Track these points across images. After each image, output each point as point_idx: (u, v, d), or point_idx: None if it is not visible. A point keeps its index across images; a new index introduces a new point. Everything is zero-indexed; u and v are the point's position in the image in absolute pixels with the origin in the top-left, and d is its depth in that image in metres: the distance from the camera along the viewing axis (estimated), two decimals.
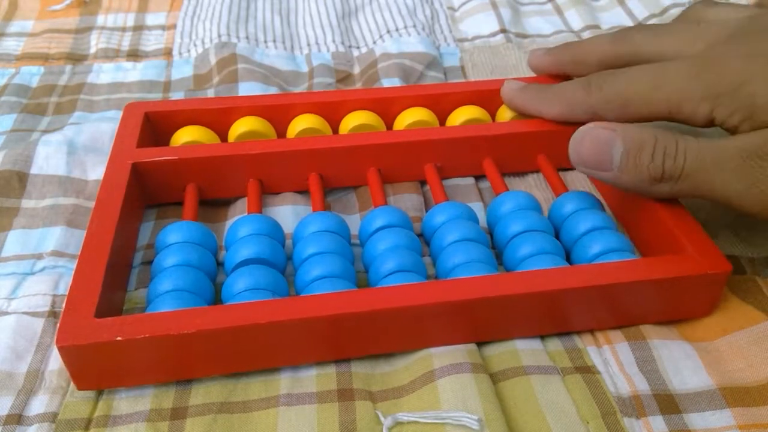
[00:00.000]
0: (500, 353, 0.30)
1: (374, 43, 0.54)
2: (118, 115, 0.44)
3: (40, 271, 0.33)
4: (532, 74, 0.43)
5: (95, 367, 0.27)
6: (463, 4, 0.59)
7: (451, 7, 0.60)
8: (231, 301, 0.29)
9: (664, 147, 0.29)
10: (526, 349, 0.30)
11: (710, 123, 0.30)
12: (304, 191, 0.38)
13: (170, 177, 0.36)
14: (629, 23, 0.57)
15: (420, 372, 0.28)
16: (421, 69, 0.50)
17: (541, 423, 0.27)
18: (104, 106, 0.46)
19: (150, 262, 0.33)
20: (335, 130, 0.41)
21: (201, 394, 0.28)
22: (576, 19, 0.57)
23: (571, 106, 0.35)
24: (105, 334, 0.26)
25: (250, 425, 0.27)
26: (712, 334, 0.31)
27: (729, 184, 0.28)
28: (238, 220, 0.33)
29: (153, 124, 0.39)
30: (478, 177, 0.40)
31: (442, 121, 0.42)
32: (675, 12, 0.57)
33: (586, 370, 0.29)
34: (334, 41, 0.54)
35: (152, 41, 0.54)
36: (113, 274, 0.30)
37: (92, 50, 0.52)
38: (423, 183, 0.39)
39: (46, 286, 0.32)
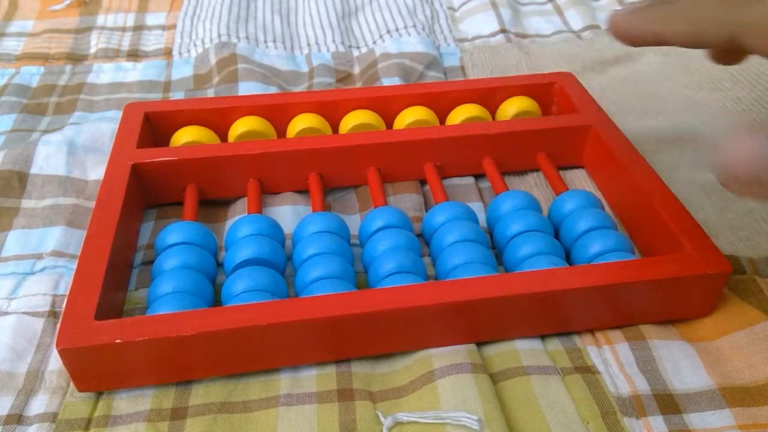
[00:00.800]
0: (500, 353, 0.30)
1: (374, 43, 0.54)
2: (118, 115, 0.44)
3: (40, 271, 0.33)
4: (532, 73, 0.43)
5: (95, 369, 0.27)
6: (463, 4, 0.59)
7: (451, 7, 0.60)
8: (230, 302, 0.29)
9: None
10: (526, 349, 0.30)
11: None
12: (304, 191, 0.38)
13: (170, 177, 0.36)
14: None
15: (420, 372, 0.28)
16: (421, 69, 0.50)
17: (541, 423, 0.27)
18: (104, 106, 0.46)
19: (150, 263, 0.33)
20: (335, 130, 0.41)
21: (201, 394, 0.28)
22: (576, 19, 0.57)
23: (702, 24, 0.26)
24: (105, 336, 0.26)
25: (250, 425, 0.27)
26: (712, 334, 0.31)
27: None
28: (238, 220, 0.33)
29: (153, 124, 0.39)
30: (478, 176, 0.40)
31: (442, 120, 0.42)
32: None
33: (586, 370, 0.29)
34: (334, 41, 0.54)
35: (152, 41, 0.54)
36: (113, 274, 0.30)
37: (92, 50, 0.52)
38: (423, 182, 0.39)
39: (46, 286, 0.32)
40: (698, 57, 0.52)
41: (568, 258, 0.33)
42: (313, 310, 0.27)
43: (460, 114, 0.41)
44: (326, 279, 0.30)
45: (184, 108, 0.39)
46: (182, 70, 0.50)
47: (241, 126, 0.39)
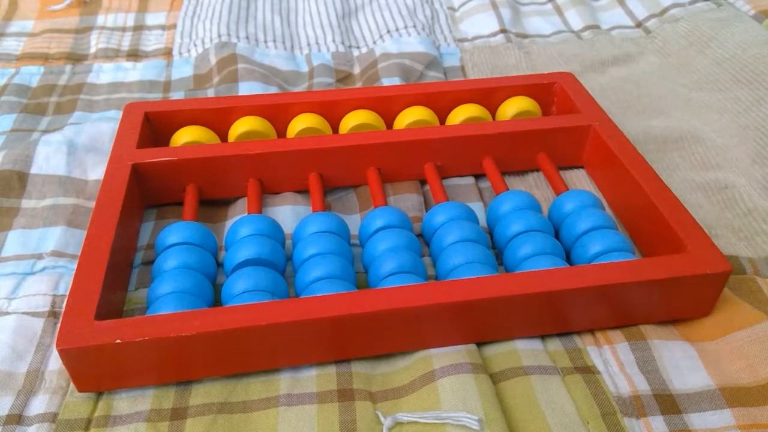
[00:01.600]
0: (500, 353, 0.30)
1: (374, 43, 0.54)
2: (118, 115, 0.44)
3: (40, 271, 0.33)
4: (532, 73, 0.43)
5: (95, 369, 0.27)
6: (463, 4, 0.59)
7: (451, 7, 0.60)
8: (230, 302, 0.29)
9: None
10: (526, 349, 0.30)
11: None
12: (304, 191, 0.38)
13: (170, 177, 0.36)
14: (629, 23, 0.57)
15: (420, 372, 0.28)
16: (421, 69, 0.50)
17: (541, 423, 0.27)
18: (104, 106, 0.46)
19: (150, 263, 0.33)
20: (335, 130, 0.41)
21: (201, 394, 0.28)
22: (576, 19, 0.57)
23: None
24: (104, 336, 0.26)
25: (250, 425, 0.27)
26: (712, 334, 0.31)
27: None
28: (238, 220, 0.33)
29: (153, 124, 0.39)
30: (478, 176, 0.40)
31: (442, 120, 0.42)
32: (675, 12, 0.57)
33: (586, 370, 0.29)
34: (334, 41, 0.54)
35: (152, 41, 0.54)
36: (113, 275, 0.30)
37: (92, 50, 0.52)
38: (423, 182, 0.39)
39: (46, 286, 0.32)
40: (698, 57, 0.52)
41: (569, 258, 0.33)
42: (314, 310, 0.27)
43: (460, 114, 0.41)
44: (326, 279, 0.30)
45: (184, 108, 0.39)
46: (182, 70, 0.50)
47: (241, 126, 0.39)
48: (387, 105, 0.41)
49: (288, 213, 0.36)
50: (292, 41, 0.55)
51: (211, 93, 0.47)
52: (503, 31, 0.55)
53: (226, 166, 0.36)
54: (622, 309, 0.30)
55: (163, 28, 0.56)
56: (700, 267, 0.29)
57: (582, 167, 0.40)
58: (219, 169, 0.36)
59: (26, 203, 0.37)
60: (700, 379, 0.28)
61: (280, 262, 0.32)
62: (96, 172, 0.39)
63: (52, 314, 0.31)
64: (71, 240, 0.35)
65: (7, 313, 0.31)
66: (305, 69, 0.51)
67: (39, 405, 0.27)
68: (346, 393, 0.28)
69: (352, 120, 0.40)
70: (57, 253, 0.34)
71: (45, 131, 0.43)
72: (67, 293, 0.29)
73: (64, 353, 0.26)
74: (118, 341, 0.26)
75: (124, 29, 0.55)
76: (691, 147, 0.43)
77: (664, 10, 0.57)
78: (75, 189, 0.38)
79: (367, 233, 0.33)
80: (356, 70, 0.51)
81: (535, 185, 0.40)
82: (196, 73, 0.50)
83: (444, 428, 0.26)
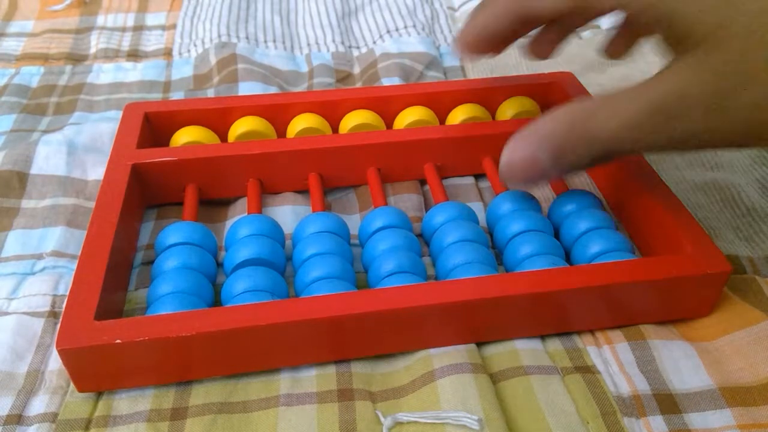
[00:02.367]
0: (500, 353, 0.30)
1: (374, 43, 0.54)
2: (118, 115, 0.44)
3: (40, 271, 0.33)
4: (532, 73, 0.43)
5: (95, 370, 0.27)
6: (463, 4, 0.59)
7: (451, 7, 0.60)
8: (230, 302, 0.29)
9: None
10: (526, 349, 0.30)
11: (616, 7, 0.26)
12: (304, 191, 0.38)
13: (170, 177, 0.36)
14: None
15: (420, 372, 0.28)
16: (421, 69, 0.50)
17: (541, 423, 0.27)
18: (104, 106, 0.46)
19: (150, 263, 0.33)
20: (335, 130, 0.41)
21: (201, 394, 0.28)
22: None
23: None
24: (104, 336, 0.26)
25: (250, 425, 0.27)
26: (712, 334, 0.31)
27: None
28: (238, 220, 0.33)
29: (153, 125, 0.39)
30: (478, 176, 0.40)
31: (442, 120, 0.42)
32: None
33: (586, 370, 0.29)
34: (334, 41, 0.54)
35: (152, 41, 0.54)
36: (113, 275, 0.30)
37: (92, 50, 0.52)
38: (423, 182, 0.39)
39: (46, 286, 0.32)
40: None
41: (569, 258, 0.33)
42: (313, 310, 0.27)
43: (460, 114, 0.41)
44: (326, 279, 0.30)
45: (184, 108, 0.39)
46: (182, 70, 0.50)
47: (241, 126, 0.39)
48: (387, 105, 0.41)
49: (288, 213, 0.36)
50: (292, 41, 0.55)
51: (211, 93, 0.47)
52: None
53: (226, 166, 0.36)
54: (622, 309, 0.30)
55: (163, 28, 0.56)
56: (700, 267, 0.29)
57: None
58: (219, 169, 0.36)
59: (26, 203, 0.37)
60: (700, 379, 0.28)
61: (280, 262, 0.32)
62: (96, 172, 0.39)
63: (52, 314, 0.31)
64: (71, 240, 0.35)
65: (7, 313, 0.31)
66: (305, 69, 0.51)
67: (39, 405, 0.27)
68: (346, 393, 0.28)
69: (352, 120, 0.40)
70: (57, 253, 0.34)
71: (45, 131, 0.43)
72: (67, 293, 0.29)
73: (64, 353, 0.26)
74: (118, 341, 0.26)
75: (124, 29, 0.55)
76: None
77: None
78: (75, 189, 0.38)
79: (366, 233, 0.33)
80: (356, 70, 0.51)
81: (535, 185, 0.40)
82: (196, 73, 0.50)
83: (444, 428, 0.26)
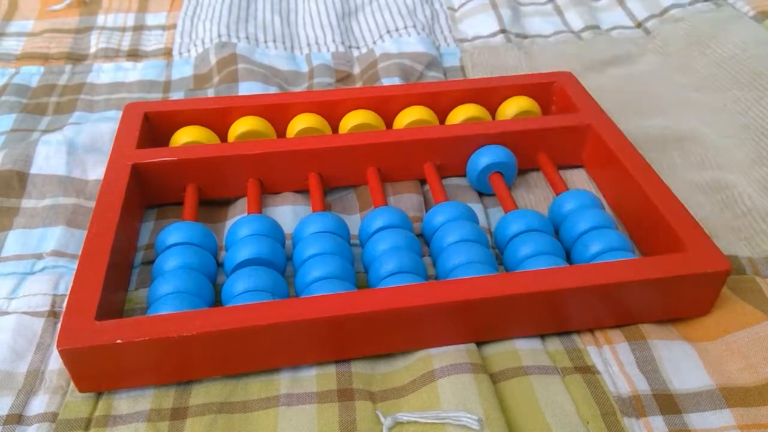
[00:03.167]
0: (500, 353, 0.29)
1: (374, 43, 0.54)
2: (118, 115, 0.44)
3: (40, 271, 0.33)
4: (532, 73, 0.43)
5: (96, 370, 0.27)
6: (463, 4, 0.59)
7: (451, 7, 0.60)
8: (231, 302, 0.29)
9: None
10: (526, 349, 0.30)
11: None
12: (304, 191, 0.38)
13: (170, 177, 0.36)
14: (629, 23, 0.57)
15: (420, 372, 0.28)
16: (421, 69, 0.50)
17: (541, 423, 0.27)
18: (104, 106, 0.46)
19: (150, 263, 0.33)
20: (335, 130, 0.41)
21: (201, 394, 0.28)
22: (576, 20, 0.57)
23: None
24: (105, 336, 0.26)
25: (250, 425, 0.27)
26: (711, 334, 0.31)
27: None
28: (238, 220, 0.33)
29: (153, 125, 0.39)
30: None
31: (442, 120, 0.42)
32: (675, 12, 0.57)
33: (586, 370, 0.29)
34: (334, 41, 0.54)
35: (152, 41, 0.54)
36: (114, 275, 0.30)
37: (92, 50, 0.52)
38: (423, 182, 0.39)
39: (46, 286, 0.32)
40: (698, 57, 0.52)
41: (569, 258, 0.33)
42: (314, 310, 0.27)
43: (460, 114, 0.41)
44: (326, 279, 0.30)
45: (184, 108, 0.39)
46: (182, 70, 0.50)
47: (240, 126, 0.39)
48: (387, 105, 0.40)
49: (288, 213, 0.36)
50: (292, 41, 0.55)
51: (211, 93, 0.47)
52: (503, 31, 0.55)
53: (226, 166, 0.36)
54: (622, 308, 0.30)
55: (163, 28, 0.56)
56: (700, 266, 0.29)
57: (582, 167, 0.40)
58: (219, 169, 0.36)
59: (26, 203, 0.37)
60: (699, 379, 0.28)
61: (280, 262, 0.32)
62: (96, 172, 0.39)
63: (52, 314, 0.31)
64: (71, 240, 0.35)
65: (7, 313, 0.31)
66: (305, 69, 0.51)
67: (39, 405, 0.27)
68: (346, 393, 0.28)
69: (351, 120, 0.40)
70: (57, 253, 0.34)
71: (45, 131, 0.43)
72: (68, 293, 0.28)
73: (64, 353, 0.26)
74: (119, 341, 0.26)
75: (124, 29, 0.55)
76: (690, 147, 0.43)
77: (664, 11, 0.57)
78: (75, 189, 0.38)
79: (367, 233, 0.33)
80: (356, 70, 0.51)
81: (534, 185, 0.40)
82: (196, 73, 0.50)
83: (444, 428, 0.26)
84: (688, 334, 0.31)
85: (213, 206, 0.38)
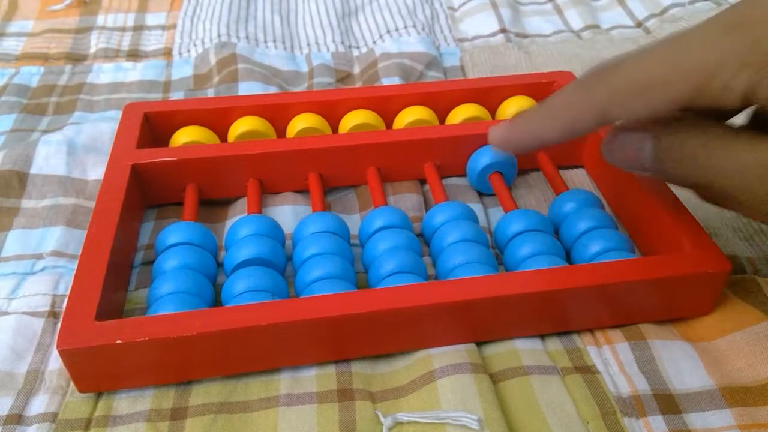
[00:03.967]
0: (500, 353, 0.30)
1: (374, 43, 0.54)
2: (118, 115, 0.44)
3: (40, 271, 0.33)
4: (532, 73, 0.43)
5: (96, 370, 0.27)
6: (463, 4, 0.59)
7: (451, 7, 0.60)
8: (231, 302, 0.29)
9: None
10: (525, 349, 0.30)
11: (747, 103, 0.22)
12: (304, 191, 0.38)
13: (170, 177, 0.36)
14: (629, 23, 0.57)
15: (420, 372, 0.28)
16: (421, 69, 0.49)
17: (541, 423, 0.27)
18: (104, 106, 0.46)
19: (150, 263, 0.33)
20: (335, 130, 0.41)
21: (201, 394, 0.28)
22: (576, 19, 0.57)
23: (572, 116, 0.27)
24: (105, 337, 0.26)
25: (250, 425, 0.27)
26: (712, 334, 0.31)
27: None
28: (238, 220, 0.33)
29: (152, 125, 0.39)
30: None
31: (442, 120, 0.42)
32: (675, 12, 0.57)
33: (586, 370, 0.29)
34: (334, 41, 0.54)
35: (152, 41, 0.54)
36: (114, 275, 0.30)
37: (92, 50, 0.52)
38: (423, 182, 0.39)
39: (46, 286, 0.32)
40: None
41: (569, 258, 0.33)
42: (313, 310, 0.27)
43: (460, 114, 0.41)
44: (326, 279, 0.30)
45: (184, 108, 0.39)
46: (182, 70, 0.50)
47: (240, 126, 0.39)
48: (387, 105, 0.40)
49: (288, 213, 0.36)
50: (292, 41, 0.55)
51: (211, 93, 0.47)
52: (503, 30, 0.55)
53: (226, 166, 0.36)
54: (622, 308, 0.30)
55: (163, 28, 0.56)
56: (700, 265, 0.29)
57: (582, 166, 0.40)
58: (219, 169, 0.36)
59: (26, 203, 0.37)
60: (700, 379, 0.28)
61: (280, 262, 0.32)
62: (96, 172, 0.39)
63: (52, 314, 0.31)
64: (71, 240, 0.35)
65: (7, 313, 0.31)
66: (305, 69, 0.51)
67: (39, 405, 0.27)
68: (346, 393, 0.28)
69: (351, 120, 0.40)
70: (57, 253, 0.34)
71: (45, 131, 0.43)
72: (67, 293, 0.29)
73: (64, 354, 0.26)
74: (119, 342, 0.26)
75: (124, 29, 0.55)
76: None
77: (664, 10, 0.57)
78: (75, 189, 0.38)
79: (367, 233, 0.33)
80: (356, 70, 0.51)
81: (534, 184, 0.40)
82: (196, 73, 0.50)
83: (444, 428, 0.26)
84: (688, 334, 0.31)
85: (213, 206, 0.38)
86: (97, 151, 0.40)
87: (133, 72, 0.50)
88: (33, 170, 0.38)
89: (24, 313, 0.31)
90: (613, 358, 0.29)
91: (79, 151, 0.40)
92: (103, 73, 0.50)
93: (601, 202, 0.35)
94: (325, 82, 0.48)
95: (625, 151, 0.27)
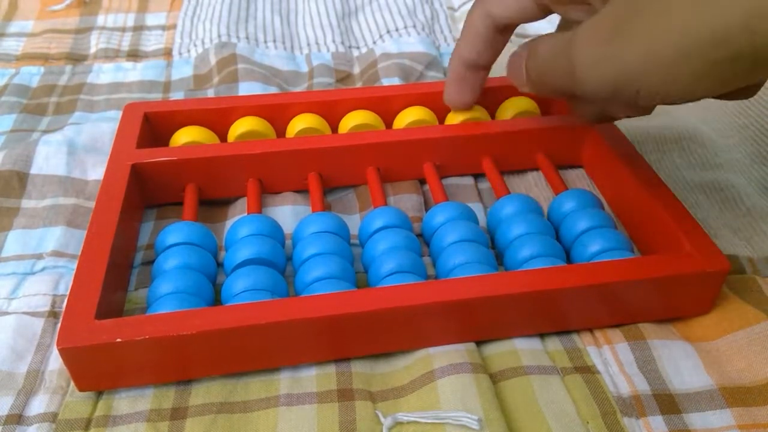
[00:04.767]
0: (500, 353, 0.30)
1: (374, 43, 0.54)
2: (118, 115, 0.44)
3: (40, 271, 0.33)
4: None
5: (96, 369, 0.27)
6: (463, 4, 0.59)
7: (451, 7, 0.60)
8: (230, 302, 0.29)
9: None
10: (525, 349, 0.30)
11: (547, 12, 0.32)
12: (303, 191, 0.38)
13: (170, 177, 0.36)
14: None
15: (420, 372, 0.28)
16: (420, 69, 0.50)
17: (541, 423, 0.27)
18: (104, 106, 0.46)
19: (150, 263, 0.33)
20: (335, 130, 0.41)
21: (201, 394, 0.28)
22: None
23: (471, 24, 0.34)
24: (105, 335, 0.26)
25: (250, 425, 0.27)
26: (711, 334, 0.31)
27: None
28: (238, 220, 0.33)
29: (153, 125, 0.39)
30: (478, 176, 0.40)
31: (441, 120, 0.42)
32: None
33: (586, 370, 0.29)
34: (334, 41, 0.54)
35: (152, 41, 0.54)
36: (113, 275, 0.30)
37: (92, 50, 0.52)
38: (423, 182, 0.39)
39: (46, 286, 0.32)
40: None
41: (568, 257, 0.33)
42: (313, 309, 0.27)
43: (460, 114, 0.41)
44: (326, 279, 0.30)
45: (184, 108, 0.39)
46: (182, 70, 0.50)
47: (240, 126, 0.39)
48: (386, 105, 0.40)
49: (288, 213, 0.36)
50: (292, 41, 0.55)
51: (211, 93, 0.47)
52: None
53: (226, 166, 0.36)
54: (621, 307, 0.30)
55: (163, 28, 0.56)
56: (699, 265, 0.29)
57: (581, 167, 0.40)
58: (219, 169, 0.36)
59: (26, 203, 0.37)
60: (700, 379, 0.28)
61: (280, 261, 0.32)
62: (96, 172, 0.39)
63: (52, 314, 0.31)
64: (71, 240, 0.35)
65: (7, 313, 0.31)
66: (305, 69, 0.51)
67: (39, 405, 0.27)
68: (346, 393, 0.28)
69: (351, 120, 0.40)
70: (57, 253, 0.34)
71: (45, 131, 0.43)
72: (68, 293, 0.29)
73: (64, 352, 0.26)
74: (119, 340, 0.26)
75: (124, 29, 0.55)
76: (690, 147, 0.43)
77: None
78: (75, 189, 0.38)
79: (366, 233, 0.33)
80: (356, 70, 0.51)
81: (534, 184, 0.40)
82: (196, 73, 0.50)
83: (444, 428, 0.26)
84: (688, 334, 0.31)
85: (213, 206, 0.38)
86: (97, 151, 0.40)
87: (133, 72, 0.50)
88: (33, 170, 0.38)
89: (24, 313, 0.31)
90: (613, 358, 0.29)
91: (79, 151, 0.40)
92: (103, 73, 0.50)
93: (600, 201, 0.35)
94: (325, 82, 0.48)
95: (512, 68, 0.31)
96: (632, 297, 0.30)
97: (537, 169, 0.40)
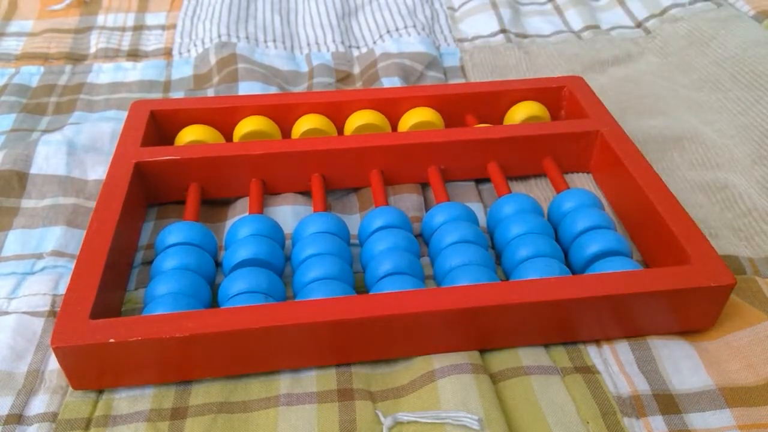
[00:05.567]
0: (500, 353, 0.29)
1: (374, 43, 0.54)
2: (118, 115, 0.44)
3: (40, 270, 0.33)
4: (540, 77, 0.43)
5: (90, 368, 0.27)
6: (463, 4, 0.59)
7: (451, 7, 0.60)
8: (226, 303, 0.29)
9: None
10: (526, 350, 0.30)
11: None
12: (305, 192, 0.38)
13: (173, 176, 0.36)
14: (629, 23, 0.57)
15: (420, 372, 0.28)
16: (421, 69, 0.50)
17: (541, 423, 0.27)
18: (104, 106, 0.46)
19: (150, 262, 0.33)
20: (340, 131, 0.40)
21: (201, 394, 0.28)
22: (576, 19, 0.57)
23: None
24: (98, 335, 0.26)
25: (250, 425, 0.27)
26: (712, 334, 0.31)
27: None
28: (238, 220, 0.33)
29: (158, 123, 0.39)
30: (479, 179, 0.39)
31: (448, 123, 0.41)
32: (675, 12, 0.57)
33: (586, 370, 0.29)
34: (334, 41, 0.54)
35: (152, 41, 0.54)
36: (112, 274, 0.30)
37: (92, 50, 0.52)
38: (425, 185, 0.39)
39: (46, 285, 0.32)
40: (698, 57, 0.52)
41: (567, 257, 0.33)
42: (312, 314, 0.27)
43: (410, 119, 0.40)
44: (324, 280, 0.30)
45: (190, 107, 0.39)
46: (182, 70, 0.50)
47: (246, 126, 0.39)
48: (392, 106, 0.40)
49: (288, 213, 0.36)
50: (292, 41, 0.55)
51: (210, 93, 0.47)
52: (503, 31, 0.55)
53: (229, 166, 0.36)
54: (626, 319, 0.29)
55: (163, 28, 0.56)
56: (704, 279, 0.29)
57: (589, 173, 0.40)
58: (222, 169, 0.36)
59: (26, 203, 0.37)
60: (700, 379, 0.28)
61: (278, 262, 0.32)
62: (96, 172, 0.39)
63: (52, 314, 0.31)
64: (71, 240, 0.35)
65: (7, 313, 0.31)
66: (305, 69, 0.51)
67: (39, 405, 0.27)
68: (346, 393, 0.28)
69: (357, 120, 0.39)
70: (57, 253, 0.34)
71: (45, 131, 0.43)
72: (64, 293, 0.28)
73: (58, 351, 0.26)
74: (112, 340, 0.26)
75: (124, 29, 0.55)
76: (691, 147, 0.43)
77: (664, 10, 0.57)
78: (75, 189, 0.38)
79: (366, 233, 0.33)
80: (356, 70, 0.51)
81: (535, 185, 0.39)
82: (196, 73, 0.50)
83: (444, 428, 0.26)
84: (688, 334, 0.31)
85: (214, 206, 0.38)
86: (97, 151, 0.40)
87: (133, 72, 0.50)
88: (33, 170, 0.38)
89: (24, 312, 0.31)
90: (613, 358, 0.29)
91: (78, 151, 0.40)
92: (103, 73, 0.50)
93: (600, 201, 0.35)
94: (325, 82, 0.48)
95: None
96: (637, 309, 0.29)
97: (543, 175, 0.40)
